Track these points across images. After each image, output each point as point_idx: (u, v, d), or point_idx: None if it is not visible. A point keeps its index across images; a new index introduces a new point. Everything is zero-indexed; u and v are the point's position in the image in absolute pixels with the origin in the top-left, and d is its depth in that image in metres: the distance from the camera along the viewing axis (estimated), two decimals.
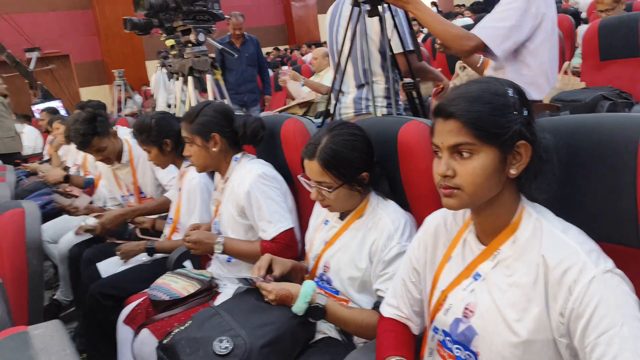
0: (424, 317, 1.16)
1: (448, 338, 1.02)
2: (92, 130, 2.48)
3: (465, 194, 0.93)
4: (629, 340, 0.77)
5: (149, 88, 10.21)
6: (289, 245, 1.72)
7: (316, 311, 1.31)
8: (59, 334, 0.65)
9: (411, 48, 2.27)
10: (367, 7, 2.06)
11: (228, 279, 1.87)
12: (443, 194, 0.96)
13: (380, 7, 2.06)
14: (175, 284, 1.82)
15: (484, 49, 1.83)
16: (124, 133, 3.03)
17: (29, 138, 6.27)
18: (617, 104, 2.77)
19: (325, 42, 11.66)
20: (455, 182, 0.93)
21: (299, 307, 1.30)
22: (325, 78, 5.14)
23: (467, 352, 0.98)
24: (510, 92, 0.93)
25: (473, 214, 1.02)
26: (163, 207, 2.47)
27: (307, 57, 9.79)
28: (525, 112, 0.92)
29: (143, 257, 2.27)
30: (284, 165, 1.89)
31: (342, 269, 1.41)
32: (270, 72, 8.49)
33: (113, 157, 2.61)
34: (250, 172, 1.75)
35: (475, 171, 0.91)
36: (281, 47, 13.79)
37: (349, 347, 1.38)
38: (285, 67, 5.40)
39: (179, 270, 1.96)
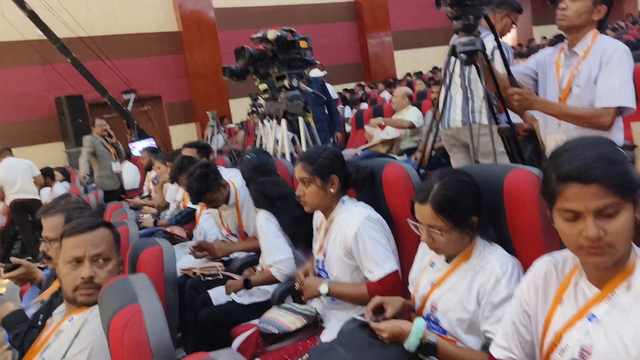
0: (534, 359, 1.21)
1: None
2: (204, 188, 2.70)
3: (617, 250, 0.99)
4: None
5: (232, 126, 10.77)
6: (395, 286, 1.80)
7: (428, 348, 1.38)
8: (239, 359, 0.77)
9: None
10: (464, 56, 2.16)
11: (332, 314, 1.97)
12: (590, 254, 1.00)
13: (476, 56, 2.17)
14: (283, 318, 1.95)
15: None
16: (224, 174, 3.26)
17: (129, 174, 6.79)
18: None
19: (400, 79, 11.71)
20: (607, 242, 0.97)
21: (411, 343, 1.38)
22: (407, 115, 5.27)
23: None
24: (618, 148, 1.01)
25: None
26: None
27: (383, 95, 10.00)
28: None
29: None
30: (384, 208, 1.98)
31: (451, 310, 1.48)
32: (351, 110, 8.72)
33: (221, 203, 2.82)
34: (357, 215, 1.87)
35: (624, 227, 0.97)
36: (352, 84, 14.11)
37: None
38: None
39: (285, 304, 2.10)
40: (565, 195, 1.00)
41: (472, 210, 1.45)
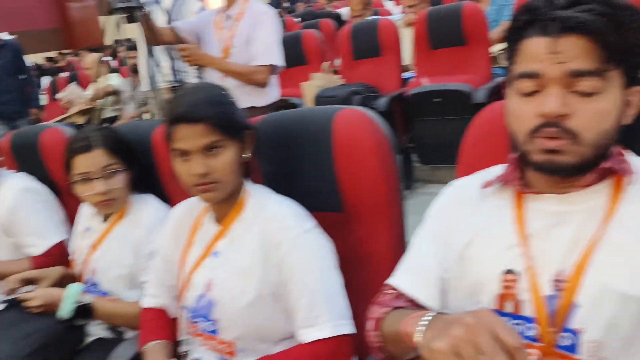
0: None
1: (194, 313, 1.15)
2: None
3: (224, 185, 1.07)
4: (319, 283, 1.03)
5: None
6: (63, 257, 1.69)
7: (84, 310, 1.34)
8: None
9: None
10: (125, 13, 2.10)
11: None
12: (202, 190, 1.07)
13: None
14: None
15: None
16: None
17: None
18: (366, 97, 3.24)
19: (107, 46, 10.95)
20: (213, 178, 1.05)
21: (64, 310, 1.32)
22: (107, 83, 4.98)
23: (209, 322, 1.12)
24: (227, 92, 1.11)
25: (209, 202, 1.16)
26: None
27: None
28: None
29: None
30: (47, 177, 1.83)
31: (110, 268, 1.45)
32: (47, 80, 7.79)
33: None
34: (11, 188, 1.69)
35: (228, 164, 1.06)
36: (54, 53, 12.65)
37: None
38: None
39: None
40: (176, 136, 1.05)
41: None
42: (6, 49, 4.63)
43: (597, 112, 0.72)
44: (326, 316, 1.02)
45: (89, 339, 1.45)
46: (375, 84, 3.44)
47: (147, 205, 1.47)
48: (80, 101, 5.02)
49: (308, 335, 1.02)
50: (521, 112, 0.76)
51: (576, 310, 0.74)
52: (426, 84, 3.03)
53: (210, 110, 1.04)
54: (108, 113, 4.94)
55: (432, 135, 2.97)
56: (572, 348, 0.74)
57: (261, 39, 2.20)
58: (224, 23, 2.27)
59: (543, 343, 0.76)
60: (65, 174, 1.54)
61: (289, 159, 1.25)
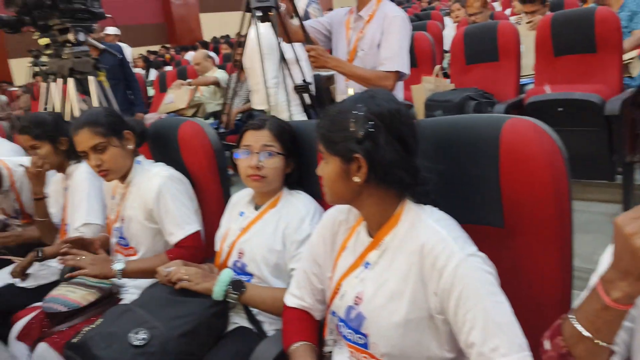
0: (326, 304, 1.27)
1: (342, 323, 1.13)
2: None
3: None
4: (490, 312, 0.94)
5: (14, 89, 9.43)
6: (196, 247, 1.75)
7: (237, 283, 1.42)
8: None
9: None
10: (259, 12, 2.14)
11: (131, 282, 1.84)
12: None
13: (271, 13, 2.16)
14: (72, 294, 1.76)
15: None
16: None
17: None
18: (482, 104, 3.12)
19: (207, 42, 11.34)
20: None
21: (218, 292, 1.40)
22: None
23: (359, 335, 1.09)
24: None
25: (359, 211, 1.15)
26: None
27: (188, 57, 9.66)
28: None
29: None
30: (183, 168, 1.90)
31: (257, 252, 1.49)
32: (155, 73, 8.20)
33: None
34: (157, 175, 1.77)
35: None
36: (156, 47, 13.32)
37: (261, 336, 1.46)
38: None
39: (75, 279, 1.89)
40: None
41: (295, 150, 1.55)
42: (109, 53, 4.11)
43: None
44: (504, 349, 0.93)
45: (232, 327, 1.49)
46: (488, 89, 3.32)
47: (299, 198, 1.52)
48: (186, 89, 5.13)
49: None
50: None
51: None
52: (549, 91, 2.86)
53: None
54: (212, 107, 5.12)
55: None
56: None
57: (390, 44, 2.13)
58: (355, 24, 2.25)
59: None
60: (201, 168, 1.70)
61: (450, 166, 1.20)
